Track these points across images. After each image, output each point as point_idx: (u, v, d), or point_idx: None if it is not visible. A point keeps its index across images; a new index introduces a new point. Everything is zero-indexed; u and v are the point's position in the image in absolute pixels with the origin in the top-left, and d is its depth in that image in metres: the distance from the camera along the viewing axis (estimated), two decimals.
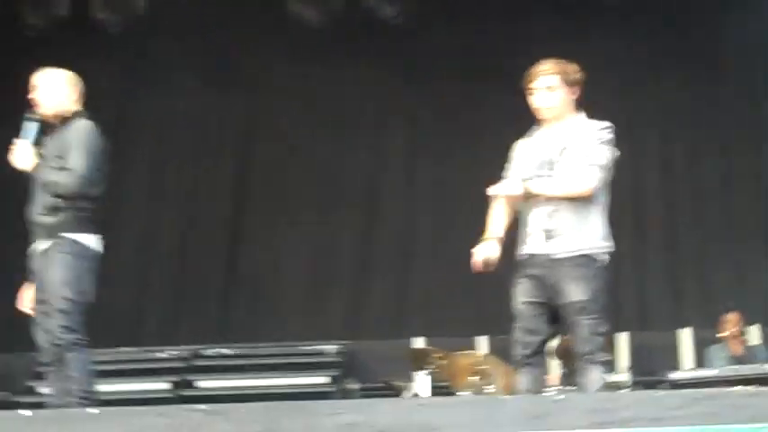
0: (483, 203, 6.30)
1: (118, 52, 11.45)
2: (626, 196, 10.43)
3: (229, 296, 11.50)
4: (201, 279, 11.62)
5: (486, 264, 6.10)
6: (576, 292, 5.94)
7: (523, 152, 6.29)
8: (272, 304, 11.39)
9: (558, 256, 6.02)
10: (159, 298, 11.63)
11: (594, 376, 5.90)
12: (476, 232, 6.31)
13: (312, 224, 11.57)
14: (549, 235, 6.06)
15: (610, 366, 6.38)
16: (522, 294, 6.11)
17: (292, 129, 11.66)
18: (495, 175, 6.31)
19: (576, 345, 6.00)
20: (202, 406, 4.98)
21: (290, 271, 11.50)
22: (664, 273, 11.25)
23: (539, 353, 6.11)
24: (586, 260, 6.01)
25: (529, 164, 6.19)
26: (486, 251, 6.11)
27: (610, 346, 8.67)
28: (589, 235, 6.06)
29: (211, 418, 4.87)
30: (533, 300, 6.07)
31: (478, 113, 11.19)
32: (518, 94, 6.34)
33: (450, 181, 11.17)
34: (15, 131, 6.51)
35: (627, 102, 10.91)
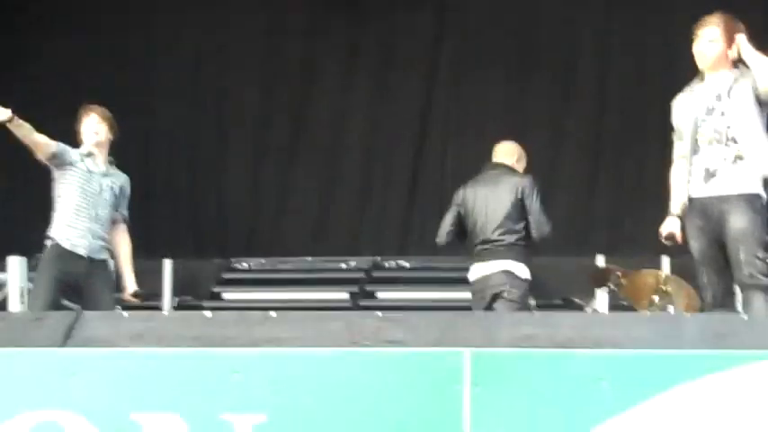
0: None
1: None
2: None
3: (411, 208, 11.53)
4: (384, 193, 11.68)
5: (672, 238, 6.31)
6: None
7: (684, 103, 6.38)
8: None
9: None
10: (344, 210, 11.74)
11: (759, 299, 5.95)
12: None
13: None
14: None
15: None
16: None
17: None
18: None
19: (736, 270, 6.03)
20: (379, 313, 4.98)
21: None
22: None
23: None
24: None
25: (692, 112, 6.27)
26: (668, 228, 6.32)
27: None
28: None
29: (388, 324, 4.87)
30: None
31: None
32: None
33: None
34: None
35: None
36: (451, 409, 4.64)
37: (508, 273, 7.73)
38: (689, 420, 4.53)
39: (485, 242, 7.83)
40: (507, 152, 8.15)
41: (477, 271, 7.86)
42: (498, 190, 7.88)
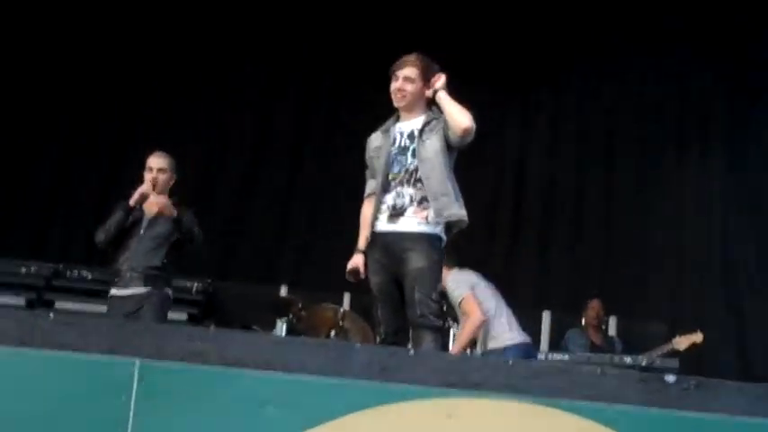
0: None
1: None
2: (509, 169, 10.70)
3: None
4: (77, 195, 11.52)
5: (355, 273, 6.39)
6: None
7: (378, 141, 6.54)
8: None
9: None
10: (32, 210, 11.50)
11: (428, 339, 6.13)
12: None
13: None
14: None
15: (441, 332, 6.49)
16: None
17: None
18: None
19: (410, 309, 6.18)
20: (52, 314, 4.88)
21: None
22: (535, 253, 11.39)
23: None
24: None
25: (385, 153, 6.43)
26: (353, 263, 6.41)
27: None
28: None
29: (61, 327, 4.77)
30: None
31: None
32: None
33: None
34: None
35: None
36: (117, 418, 4.59)
37: None
38: None
39: None
40: None
41: None
42: None
